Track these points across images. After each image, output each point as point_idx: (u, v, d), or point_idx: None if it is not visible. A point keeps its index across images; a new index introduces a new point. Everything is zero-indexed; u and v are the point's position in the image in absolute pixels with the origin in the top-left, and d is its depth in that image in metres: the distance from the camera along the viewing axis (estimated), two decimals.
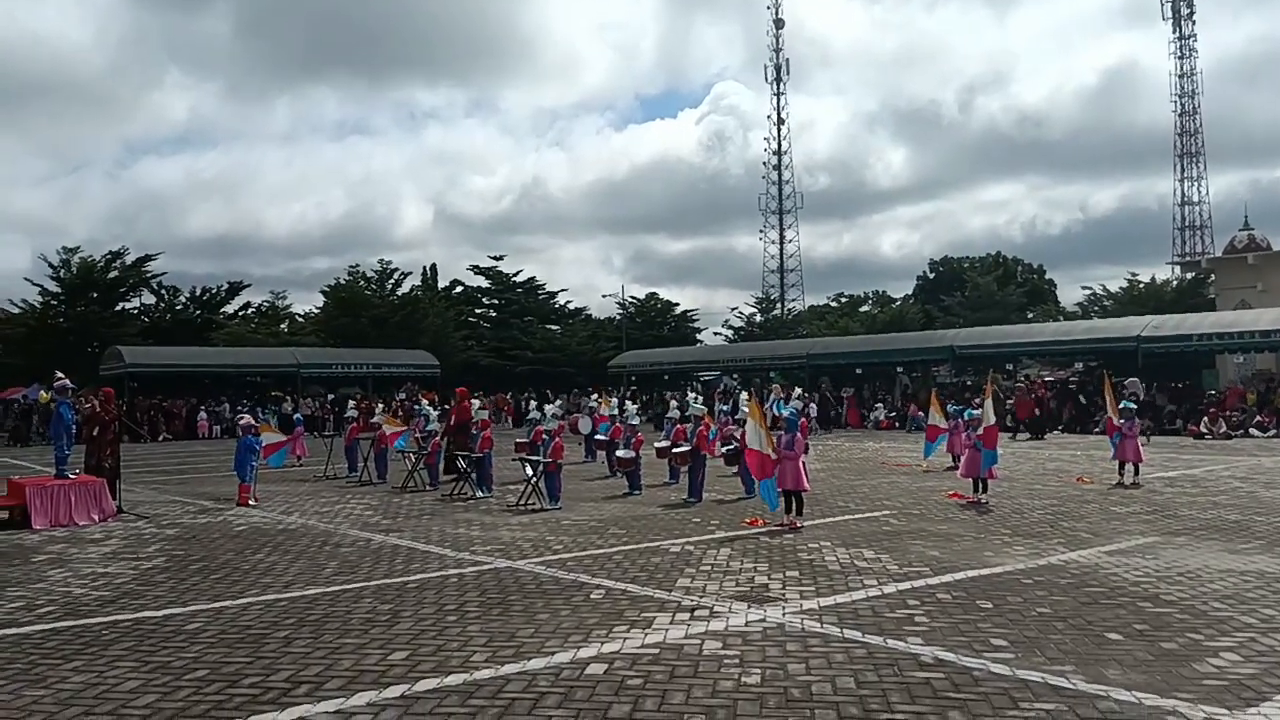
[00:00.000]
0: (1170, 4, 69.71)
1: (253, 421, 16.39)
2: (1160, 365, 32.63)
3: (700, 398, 20.53)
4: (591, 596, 8.25)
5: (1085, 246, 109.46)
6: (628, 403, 20.26)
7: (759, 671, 6.08)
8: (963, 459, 14.86)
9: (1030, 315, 55.70)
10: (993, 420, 14.12)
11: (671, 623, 7.32)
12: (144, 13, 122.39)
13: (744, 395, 14.36)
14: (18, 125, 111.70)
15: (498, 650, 6.64)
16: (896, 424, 35.06)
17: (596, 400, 26.09)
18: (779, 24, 78.97)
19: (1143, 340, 31.62)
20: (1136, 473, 16.05)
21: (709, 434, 15.70)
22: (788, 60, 79.01)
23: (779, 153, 78.31)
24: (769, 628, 7.15)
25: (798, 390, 20.61)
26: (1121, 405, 16.26)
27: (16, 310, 46.23)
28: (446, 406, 31.20)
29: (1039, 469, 19.01)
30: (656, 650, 6.59)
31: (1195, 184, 70.25)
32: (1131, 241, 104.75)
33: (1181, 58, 69.77)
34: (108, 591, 8.82)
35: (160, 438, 34.41)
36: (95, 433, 14.86)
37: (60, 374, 14.36)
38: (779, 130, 78.60)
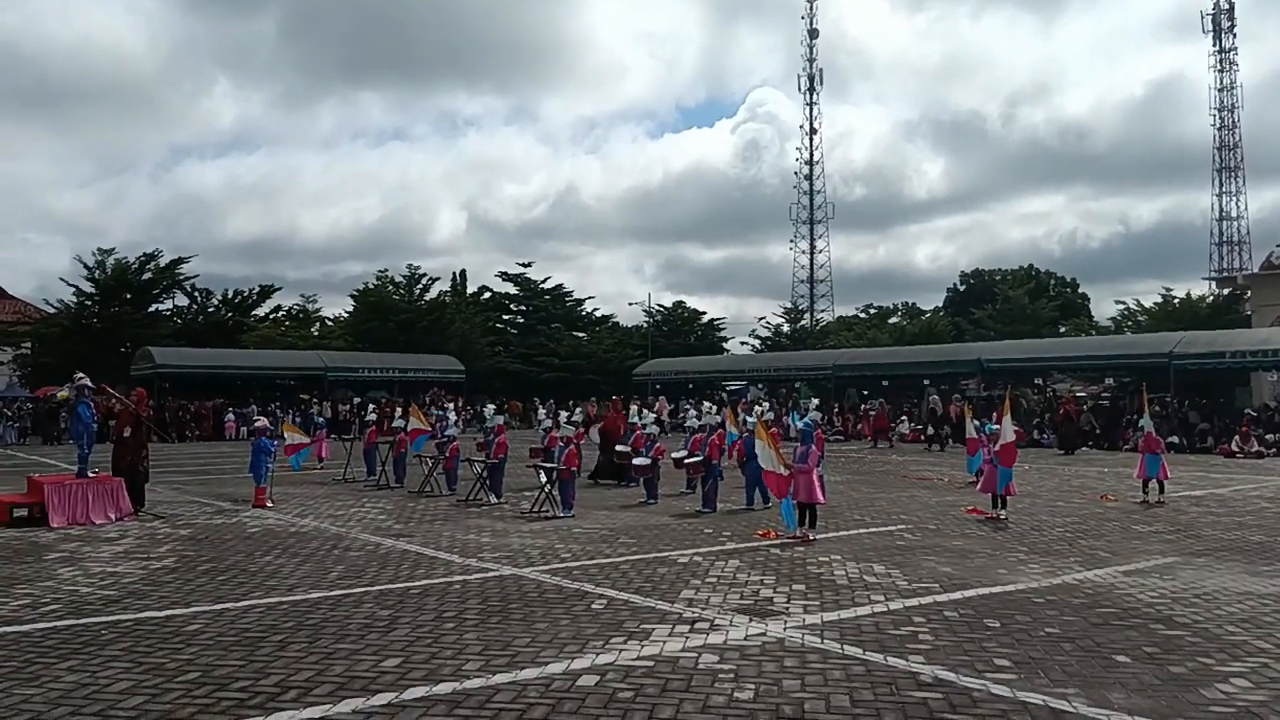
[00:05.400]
0: (1211, 17, 68.96)
1: (268, 424, 16.45)
2: (1193, 382, 32.08)
3: (715, 407, 20.37)
4: (593, 607, 8.18)
5: (1124, 260, 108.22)
6: (646, 411, 20.16)
7: (753, 687, 5.98)
8: (982, 474, 14.65)
9: (1062, 329, 54.99)
10: (1011, 437, 13.87)
11: (670, 635, 7.22)
12: (194, 19, 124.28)
13: (757, 410, 14.22)
14: (67, 128, 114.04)
15: (491, 659, 6.57)
16: (922, 438, 34.68)
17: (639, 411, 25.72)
18: (813, 34, 79.10)
19: (1174, 357, 31.11)
20: (1162, 490, 15.74)
21: (722, 444, 15.57)
22: (821, 70, 79.16)
23: (810, 162, 78.44)
24: (768, 642, 7.04)
25: (815, 401, 20.31)
26: (1140, 421, 15.95)
27: (52, 310, 47.01)
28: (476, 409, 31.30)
29: (1063, 485, 18.70)
30: (651, 662, 6.50)
31: (1234, 199, 69.39)
32: (1171, 256, 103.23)
33: (1221, 71, 69.03)
34: (114, 591, 8.86)
35: (176, 439, 34.56)
36: (127, 433, 14.69)
37: (80, 373, 14.43)
38: (811, 140, 78.69)
